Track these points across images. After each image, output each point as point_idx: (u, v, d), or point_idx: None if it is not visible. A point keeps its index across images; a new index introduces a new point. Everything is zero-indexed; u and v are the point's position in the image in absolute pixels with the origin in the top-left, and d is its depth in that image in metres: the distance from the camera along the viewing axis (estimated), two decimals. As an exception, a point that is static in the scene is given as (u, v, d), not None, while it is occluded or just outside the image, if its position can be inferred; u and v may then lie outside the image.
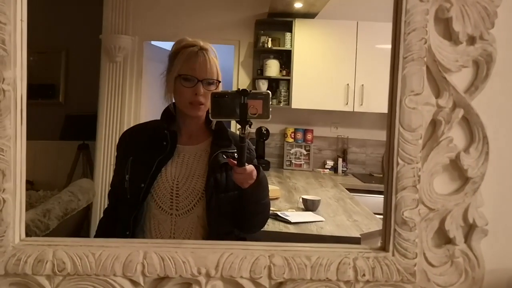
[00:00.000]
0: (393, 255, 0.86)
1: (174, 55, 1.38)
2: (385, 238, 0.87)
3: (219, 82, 1.35)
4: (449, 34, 0.85)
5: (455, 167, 0.88)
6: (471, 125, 0.87)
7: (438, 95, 0.86)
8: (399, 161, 0.85)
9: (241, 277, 0.85)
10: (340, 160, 4.30)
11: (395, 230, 0.86)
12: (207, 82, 1.32)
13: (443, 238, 0.89)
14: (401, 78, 0.84)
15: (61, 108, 4.68)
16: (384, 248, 0.88)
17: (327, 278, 0.85)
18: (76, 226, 3.16)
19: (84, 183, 3.45)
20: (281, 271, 0.85)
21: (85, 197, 3.18)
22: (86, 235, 3.28)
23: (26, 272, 0.82)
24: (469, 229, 0.89)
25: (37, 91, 4.62)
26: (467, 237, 0.89)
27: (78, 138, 4.35)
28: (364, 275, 0.85)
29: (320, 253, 0.86)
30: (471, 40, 0.85)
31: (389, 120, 0.87)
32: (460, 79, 0.86)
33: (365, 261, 0.86)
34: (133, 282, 0.84)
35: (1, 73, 0.79)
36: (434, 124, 0.87)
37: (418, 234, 0.86)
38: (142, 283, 0.84)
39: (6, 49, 0.79)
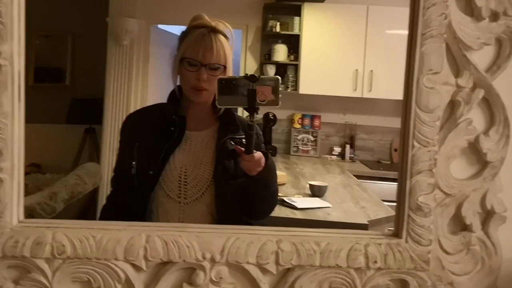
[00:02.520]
0: (406, 241, 0.83)
1: (184, 34, 1.33)
2: (398, 224, 0.84)
3: (225, 67, 1.29)
4: (471, 9, 0.80)
5: (474, 150, 0.84)
6: (492, 107, 0.83)
7: (457, 74, 0.82)
8: (415, 143, 0.81)
9: (247, 262, 0.82)
10: (347, 146, 4.26)
11: (409, 215, 0.82)
12: (211, 67, 1.26)
13: (459, 225, 0.85)
14: (419, 56, 0.79)
15: (68, 91, 4.67)
16: (397, 234, 0.84)
17: (337, 264, 0.82)
18: (83, 209, 3.16)
19: (91, 166, 3.44)
20: (289, 257, 0.82)
21: (91, 181, 3.17)
22: (93, 218, 3.27)
23: (24, 254, 0.79)
24: (487, 215, 0.85)
25: (44, 74, 4.61)
26: (484, 224, 0.85)
27: (84, 122, 4.35)
28: (375, 262, 0.82)
29: (329, 239, 0.83)
30: (494, 16, 0.80)
31: (405, 100, 0.82)
32: (481, 58, 0.82)
33: (377, 248, 0.82)
34: (135, 266, 0.82)
35: (-3, 47, 0.76)
36: (452, 105, 0.82)
37: (433, 220, 0.82)
38: (144, 268, 0.82)
39: (3, 22, 0.76)
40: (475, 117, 0.83)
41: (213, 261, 0.82)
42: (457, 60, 0.81)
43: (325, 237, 0.84)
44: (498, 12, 0.80)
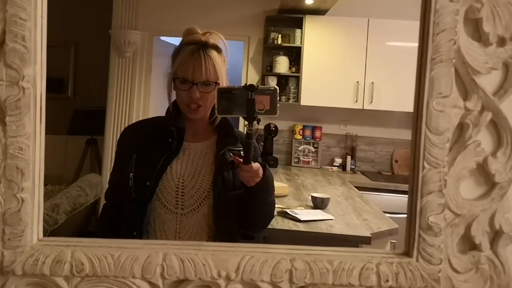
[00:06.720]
0: (417, 260, 0.84)
1: (176, 52, 1.35)
2: (409, 243, 0.85)
3: (217, 83, 1.29)
4: (478, 35, 0.83)
5: (482, 171, 0.86)
6: (499, 129, 0.85)
7: (466, 97, 0.84)
8: (425, 165, 0.83)
9: (262, 280, 0.83)
10: (348, 157, 4.28)
11: (419, 235, 0.84)
12: (203, 84, 1.28)
13: (469, 244, 0.87)
14: (429, 80, 0.82)
15: (70, 102, 4.70)
16: (407, 253, 0.86)
17: (349, 283, 0.84)
18: (84, 220, 3.17)
19: (92, 177, 3.45)
20: (302, 275, 0.83)
21: (93, 192, 3.18)
22: (94, 229, 3.28)
23: (44, 272, 0.80)
24: (495, 235, 0.86)
25: (46, 85, 4.63)
26: (493, 244, 0.86)
27: (86, 133, 4.37)
28: (387, 280, 0.83)
29: (342, 257, 0.85)
30: (502, 42, 0.82)
31: (415, 122, 0.84)
32: (489, 82, 0.84)
33: (388, 267, 0.84)
34: (152, 284, 0.83)
35: (21, 71, 0.78)
36: (461, 127, 0.84)
37: (443, 240, 0.84)
38: (161, 286, 0.83)
39: (27, 46, 0.78)
40: (483, 139, 0.84)
41: (228, 279, 0.83)
42: (466, 84, 0.83)
43: (338, 255, 0.85)
44: (505, 37, 0.82)
